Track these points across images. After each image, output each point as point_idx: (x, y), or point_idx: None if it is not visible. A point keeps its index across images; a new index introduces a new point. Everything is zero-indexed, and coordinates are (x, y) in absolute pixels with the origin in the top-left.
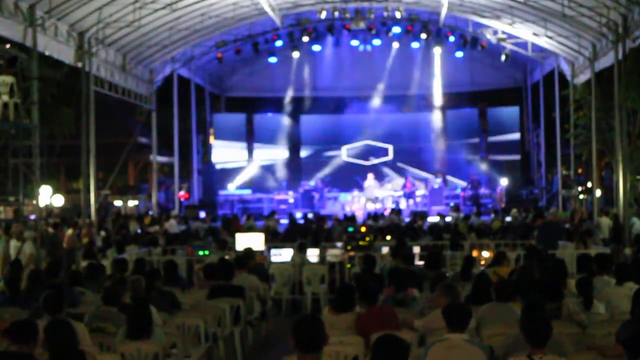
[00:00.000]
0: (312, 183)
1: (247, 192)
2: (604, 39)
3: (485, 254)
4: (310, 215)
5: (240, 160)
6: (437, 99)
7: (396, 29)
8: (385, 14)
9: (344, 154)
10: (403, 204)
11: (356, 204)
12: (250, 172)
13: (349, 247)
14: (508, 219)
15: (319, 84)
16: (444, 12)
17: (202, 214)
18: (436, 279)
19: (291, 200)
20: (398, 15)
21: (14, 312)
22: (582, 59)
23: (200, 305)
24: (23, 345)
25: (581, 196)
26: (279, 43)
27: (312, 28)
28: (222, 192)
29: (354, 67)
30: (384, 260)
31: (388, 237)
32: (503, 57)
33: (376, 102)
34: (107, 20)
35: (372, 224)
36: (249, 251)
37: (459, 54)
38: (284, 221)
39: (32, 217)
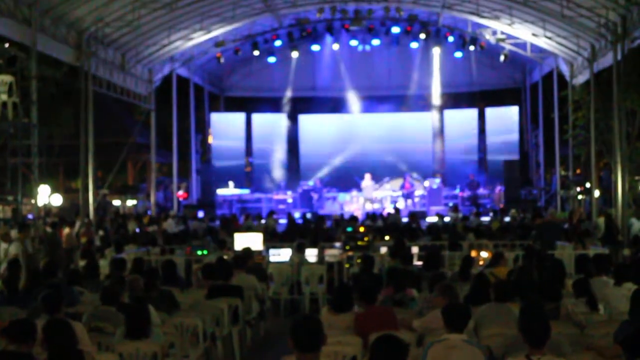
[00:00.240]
0: (310, 183)
1: (245, 192)
2: (603, 39)
3: (484, 254)
4: (308, 215)
5: (239, 160)
6: (436, 99)
7: (395, 29)
8: (384, 14)
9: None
10: (402, 204)
11: (355, 204)
12: (249, 171)
13: (347, 247)
14: (507, 219)
15: (318, 83)
16: (443, 12)
17: (201, 214)
18: (435, 279)
19: (290, 200)
20: (397, 15)
21: (12, 312)
22: (581, 60)
23: (199, 305)
24: (21, 345)
25: (580, 197)
26: (278, 43)
27: (312, 28)
28: (220, 192)
29: (353, 67)
30: (383, 260)
31: (387, 237)
32: (502, 58)
33: (375, 101)
34: (106, 20)
35: (371, 224)
36: (247, 251)
37: (458, 54)
38: (283, 221)
39: (31, 216)
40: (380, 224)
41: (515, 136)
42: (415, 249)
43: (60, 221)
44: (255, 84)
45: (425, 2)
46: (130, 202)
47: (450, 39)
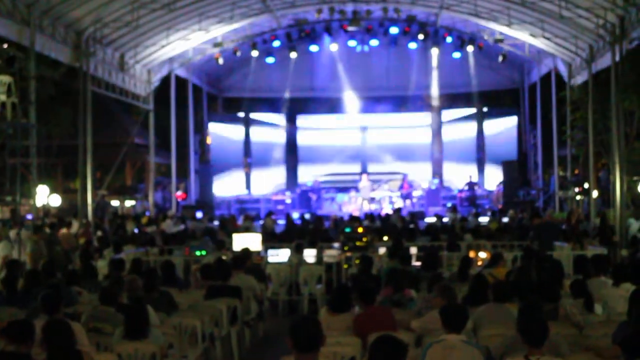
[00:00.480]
0: (309, 184)
1: (244, 193)
2: (601, 40)
3: (482, 254)
4: (307, 216)
5: (238, 161)
6: (434, 99)
7: (393, 30)
8: (382, 14)
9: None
10: (400, 205)
11: (353, 204)
12: (248, 172)
13: (346, 248)
14: (505, 219)
15: (316, 84)
16: (441, 13)
17: (199, 214)
18: (433, 279)
19: (288, 201)
20: (395, 16)
21: (11, 312)
22: (580, 60)
23: (198, 306)
24: (20, 345)
25: (578, 197)
26: (276, 43)
27: (310, 29)
28: (219, 193)
29: (351, 67)
30: (381, 261)
31: (385, 238)
32: (500, 58)
33: (373, 102)
34: (105, 20)
35: (369, 224)
36: (246, 251)
37: (456, 55)
38: (281, 222)
39: (29, 216)
40: (378, 224)
41: (513, 137)
42: (413, 250)
43: (59, 222)
44: (253, 84)
45: (423, 3)
46: (129, 203)
47: (449, 39)
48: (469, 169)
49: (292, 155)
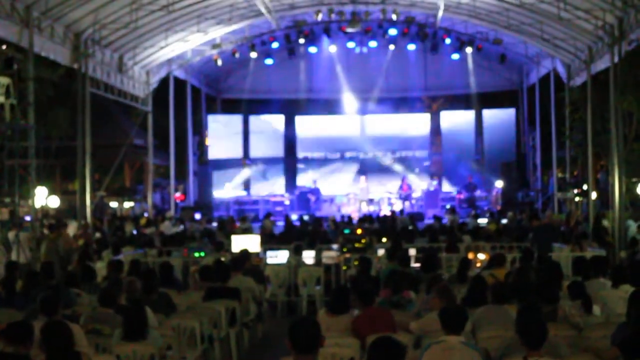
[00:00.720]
0: (308, 185)
1: (242, 194)
2: (600, 41)
3: (481, 256)
4: (306, 218)
5: (237, 162)
6: (433, 101)
7: (392, 31)
8: (381, 16)
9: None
10: (399, 206)
11: (352, 206)
12: (246, 173)
13: (345, 249)
14: (504, 221)
15: (315, 85)
16: (440, 14)
17: (198, 216)
18: (432, 281)
19: (287, 202)
20: (394, 17)
21: (9, 314)
22: (578, 62)
23: (196, 307)
24: (19, 347)
25: (577, 199)
26: (275, 45)
27: (309, 30)
28: (217, 194)
29: (350, 69)
30: (380, 262)
31: (384, 239)
32: (499, 60)
33: (372, 104)
34: (104, 22)
35: (368, 226)
36: (244, 253)
37: (455, 56)
38: (280, 223)
39: (28, 218)
40: (376, 226)
41: (512, 138)
42: (412, 251)
43: (58, 223)
44: (252, 85)
45: (422, 5)
46: (128, 204)
47: (447, 41)
48: (468, 170)
49: (291, 156)
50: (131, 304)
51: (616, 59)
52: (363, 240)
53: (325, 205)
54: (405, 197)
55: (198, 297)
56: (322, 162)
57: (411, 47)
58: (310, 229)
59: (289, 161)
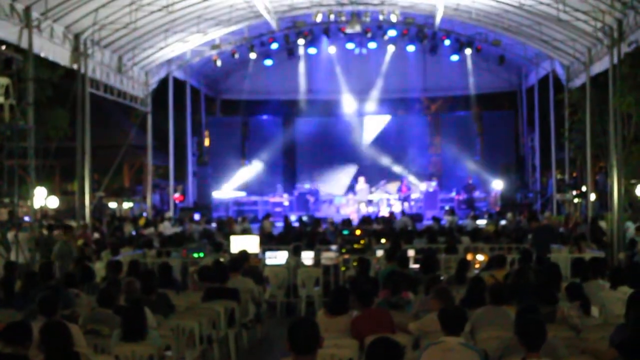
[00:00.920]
0: (307, 186)
1: (242, 195)
2: (599, 43)
3: (480, 257)
4: (305, 218)
5: (236, 163)
6: (432, 102)
7: (392, 33)
8: (380, 17)
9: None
10: (398, 208)
11: (351, 207)
12: (246, 174)
13: (343, 250)
14: (503, 222)
15: (314, 86)
16: (439, 16)
17: (197, 216)
18: (431, 282)
19: (286, 203)
20: (394, 18)
21: (8, 314)
22: (577, 63)
23: (195, 308)
24: (18, 347)
25: (576, 200)
26: (274, 46)
27: (308, 31)
28: (216, 195)
29: (349, 70)
30: (379, 263)
31: (383, 240)
32: (498, 61)
33: (371, 105)
34: (103, 22)
35: (367, 227)
36: (243, 254)
37: (454, 58)
38: (279, 224)
39: (27, 218)
40: (375, 227)
41: (511, 139)
42: (411, 252)
43: (57, 224)
44: (251, 86)
45: (421, 6)
46: (127, 205)
47: (447, 42)
48: (467, 171)
49: (290, 157)
50: (130, 305)
51: (615, 61)
52: (362, 241)
53: (324, 206)
54: (405, 199)
55: (197, 297)
56: (321, 163)
57: (410, 48)
58: (309, 229)
59: (288, 162)
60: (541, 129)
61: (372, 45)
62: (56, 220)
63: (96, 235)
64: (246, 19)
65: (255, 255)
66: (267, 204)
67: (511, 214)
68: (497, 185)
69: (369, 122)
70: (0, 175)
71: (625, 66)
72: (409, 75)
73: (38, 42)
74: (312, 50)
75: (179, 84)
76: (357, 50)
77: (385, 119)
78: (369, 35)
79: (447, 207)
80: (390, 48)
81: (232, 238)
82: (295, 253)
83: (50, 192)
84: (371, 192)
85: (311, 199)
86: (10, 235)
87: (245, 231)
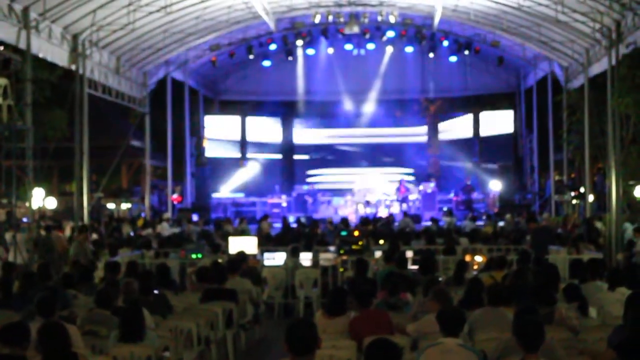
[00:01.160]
0: (305, 187)
1: (240, 196)
2: (597, 44)
3: (478, 258)
4: (303, 219)
5: (234, 164)
6: (431, 103)
7: (390, 33)
8: (379, 18)
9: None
10: (396, 209)
11: (349, 207)
12: (244, 175)
13: (342, 251)
14: (501, 223)
15: (312, 87)
16: (437, 17)
17: (195, 217)
18: (429, 283)
19: (284, 204)
20: (392, 19)
21: (6, 315)
22: (576, 65)
23: (193, 309)
24: (15, 348)
25: (574, 201)
26: (273, 47)
27: (306, 32)
28: (215, 196)
29: (347, 71)
30: (377, 264)
31: (381, 242)
32: (496, 62)
33: (370, 106)
34: (101, 23)
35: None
36: (241, 255)
37: (453, 59)
38: (277, 225)
39: (25, 219)
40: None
41: (509, 141)
42: (409, 253)
43: (55, 224)
44: (250, 87)
45: (420, 7)
46: (125, 206)
47: (445, 43)
48: (465, 173)
49: (288, 158)
50: (128, 306)
51: (614, 62)
52: (360, 242)
53: (323, 207)
54: (403, 200)
55: (195, 298)
56: (320, 163)
57: (409, 49)
58: (308, 230)
59: (287, 163)
60: (539, 130)
61: (370, 46)
62: (54, 221)
63: (94, 236)
64: (244, 20)
65: (254, 256)
66: (265, 204)
67: (509, 215)
68: (496, 186)
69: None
70: None
71: (623, 67)
72: (408, 76)
73: (36, 43)
74: (310, 51)
75: (177, 85)
76: (355, 51)
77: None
78: (368, 36)
79: (445, 208)
80: (389, 49)
81: (230, 239)
82: (293, 254)
83: (49, 192)
84: (368, 194)
85: (309, 200)
86: (8, 236)
87: (243, 232)
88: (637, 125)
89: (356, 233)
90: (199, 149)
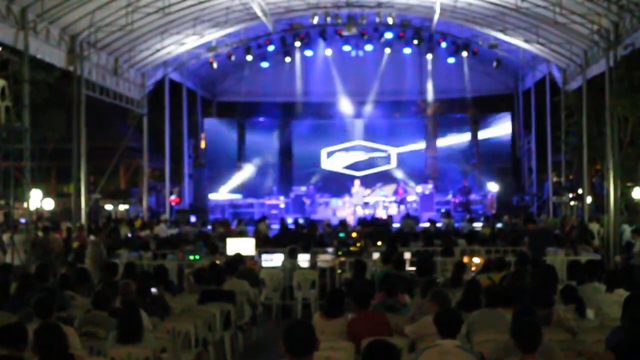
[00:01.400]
0: (303, 188)
1: (238, 197)
2: (595, 46)
3: (476, 260)
4: (301, 221)
5: (232, 165)
6: (429, 104)
7: (388, 35)
8: (377, 19)
9: (334, 161)
10: (394, 210)
11: (347, 209)
12: (242, 176)
13: (340, 253)
14: (499, 225)
15: (310, 89)
16: (435, 18)
17: (193, 219)
18: (427, 285)
19: (282, 206)
20: (390, 21)
21: (3, 316)
22: (574, 66)
23: (191, 310)
24: (13, 349)
25: (572, 203)
26: (271, 48)
27: (305, 33)
28: (213, 197)
29: (345, 72)
30: (375, 265)
31: (379, 243)
32: (495, 64)
33: (368, 107)
34: (99, 24)
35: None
36: (237, 256)
37: (451, 60)
38: (275, 226)
39: (23, 220)
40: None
41: (507, 142)
42: (407, 255)
43: (53, 225)
44: (248, 89)
45: (418, 8)
46: (123, 207)
47: (443, 44)
48: (463, 174)
49: (286, 159)
50: (126, 307)
51: (611, 63)
52: (358, 244)
53: (321, 208)
54: (401, 201)
55: (193, 300)
56: (318, 165)
57: (407, 50)
58: (306, 232)
59: (285, 164)
60: (537, 131)
61: (368, 47)
62: (52, 222)
63: (92, 237)
64: (242, 21)
65: (251, 257)
66: (263, 206)
67: (507, 217)
68: (493, 187)
69: (365, 124)
70: None
71: (621, 69)
72: (406, 78)
73: (34, 44)
74: (308, 53)
75: (175, 86)
76: (353, 53)
77: (381, 121)
78: (366, 37)
79: (443, 210)
80: (387, 50)
81: (229, 240)
82: (291, 255)
83: (46, 194)
84: (367, 195)
85: (307, 201)
86: (5, 237)
87: (241, 233)
88: (635, 127)
89: (354, 234)
90: (196, 150)
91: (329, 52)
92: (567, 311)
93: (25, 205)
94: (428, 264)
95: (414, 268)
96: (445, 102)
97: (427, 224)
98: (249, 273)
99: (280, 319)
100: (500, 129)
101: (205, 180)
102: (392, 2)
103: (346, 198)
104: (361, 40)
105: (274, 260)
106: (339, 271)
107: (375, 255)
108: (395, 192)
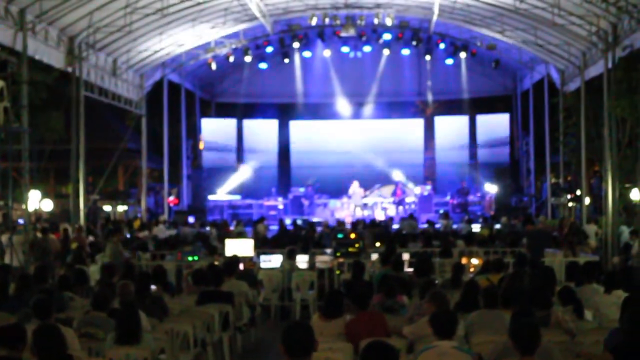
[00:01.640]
0: (301, 189)
1: (236, 198)
2: (594, 47)
3: (475, 261)
4: (299, 222)
5: (230, 166)
6: (427, 105)
7: (387, 36)
8: (375, 20)
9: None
10: (392, 211)
11: (346, 210)
12: (240, 177)
13: (338, 254)
14: (498, 226)
15: (309, 90)
16: (434, 19)
17: (191, 220)
18: (425, 286)
19: (281, 207)
20: (389, 22)
21: (2, 317)
22: (572, 67)
23: (189, 311)
24: (11, 350)
25: (570, 204)
26: (269, 49)
27: (303, 34)
28: (211, 198)
29: (344, 73)
30: (374, 266)
31: (377, 244)
32: (493, 65)
33: (366, 108)
34: (98, 25)
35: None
36: (234, 258)
37: (449, 61)
38: (274, 227)
39: (21, 221)
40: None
41: (505, 143)
42: (406, 256)
43: (51, 226)
44: (246, 90)
45: (416, 9)
46: (121, 208)
47: (442, 45)
48: (461, 175)
49: (285, 160)
50: (124, 308)
51: (610, 65)
52: (356, 245)
53: (319, 209)
54: (399, 202)
55: (191, 301)
56: (316, 166)
57: (405, 51)
58: (304, 233)
59: (283, 165)
60: (536, 132)
61: (367, 48)
62: (51, 223)
63: (91, 238)
64: (241, 22)
65: (250, 258)
66: (261, 207)
67: (505, 218)
68: (492, 189)
69: (364, 125)
70: None
71: (619, 70)
72: (404, 79)
73: (32, 45)
74: (307, 54)
75: (174, 87)
76: (352, 54)
77: (379, 122)
78: (364, 38)
79: (441, 211)
80: (385, 51)
81: (227, 241)
82: (289, 256)
83: (45, 195)
84: (365, 196)
85: (306, 202)
86: (4, 238)
87: (240, 234)
88: (633, 128)
89: (352, 235)
90: (195, 151)
91: (327, 53)
92: (565, 312)
93: (23, 206)
94: (426, 265)
95: (412, 269)
96: (443, 103)
97: (425, 225)
98: (248, 274)
99: (279, 320)
100: (499, 130)
101: (203, 181)
102: (390, 3)
103: (345, 199)
104: (359, 41)
105: (272, 261)
106: (337, 272)
107: (374, 256)
108: (394, 193)
